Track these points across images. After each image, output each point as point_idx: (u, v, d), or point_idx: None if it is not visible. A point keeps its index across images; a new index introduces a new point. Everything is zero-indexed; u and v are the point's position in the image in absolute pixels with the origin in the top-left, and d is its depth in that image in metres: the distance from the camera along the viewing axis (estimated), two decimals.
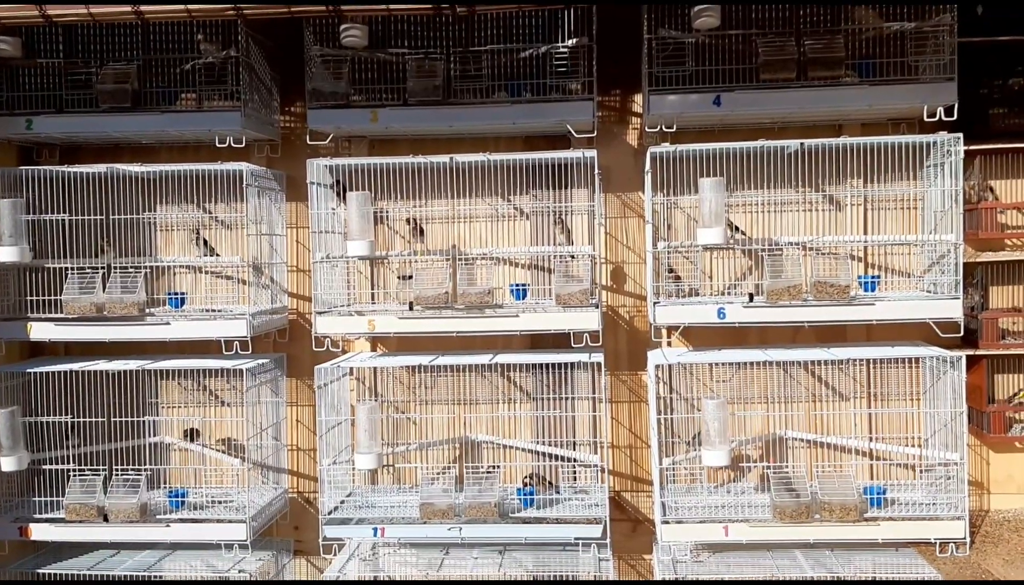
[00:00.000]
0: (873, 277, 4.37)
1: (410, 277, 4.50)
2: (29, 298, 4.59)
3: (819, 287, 4.13)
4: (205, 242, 4.84)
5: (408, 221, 4.80)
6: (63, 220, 4.59)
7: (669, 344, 4.80)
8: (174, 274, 4.95)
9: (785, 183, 4.56)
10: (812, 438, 4.70)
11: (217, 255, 4.86)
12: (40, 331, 4.47)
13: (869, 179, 4.58)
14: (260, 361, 4.59)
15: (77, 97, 4.58)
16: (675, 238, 4.68)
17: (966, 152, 4.15)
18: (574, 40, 4.36)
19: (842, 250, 4.59)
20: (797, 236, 4.60)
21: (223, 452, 4.91)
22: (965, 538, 4.09)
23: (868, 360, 4.56)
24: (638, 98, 4.77)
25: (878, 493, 4.25)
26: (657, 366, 4.34)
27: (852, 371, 4.66)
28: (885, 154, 4.38)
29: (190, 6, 3.53)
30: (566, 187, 4.78)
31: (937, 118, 4.24)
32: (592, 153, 4.31)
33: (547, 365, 4.67)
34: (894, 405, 4.64)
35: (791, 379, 4.68)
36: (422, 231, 4.81)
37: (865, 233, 4.66)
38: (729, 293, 4.69)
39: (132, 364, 4.57)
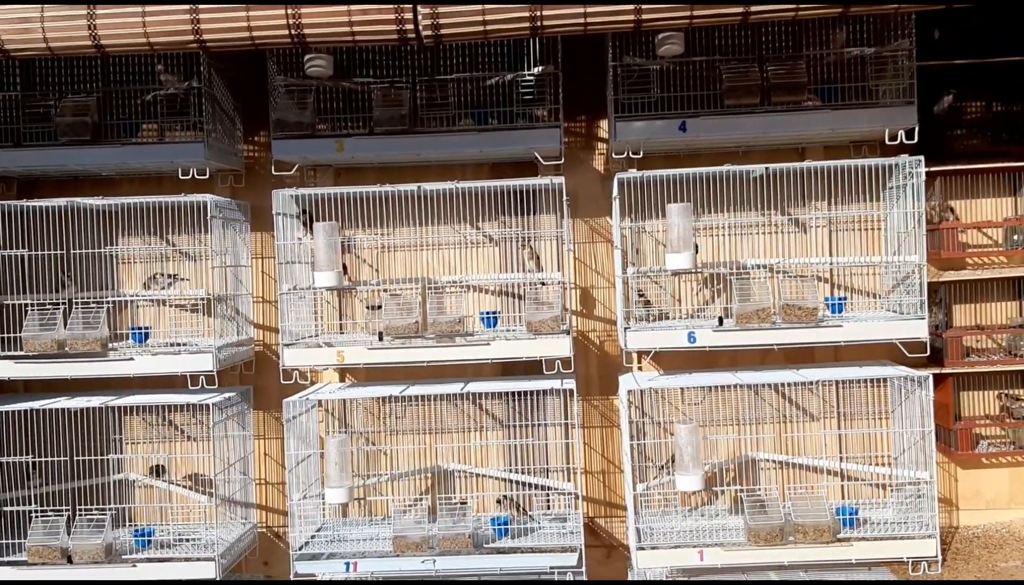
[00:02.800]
0: (840, 298, 4.41)
1: (379, 307, 4.47)
2: None
3: (787, 310, 4.16)
4: (165, 275, 4.77)
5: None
6: (22, 255, 4.50)
7: (640, 368, 4.80)
8: (137, 308, 4.87)
9: (750, 206, 4.60)
10: (783, 459, 4.72)
11: (184, 279, 4.79)
12: (1, 370, 4.36)
13: (833, 201, 4.63)
14: (226, 395, 4.52)
15: (35, 130, 4.50)
16: (643, 263, 4.69)
17: (926, 174, 4.21)
18: (540, 68, 4.38)
19: (808, 272, 4.63)
20: (764, 259, 4.64)
21: (190, 488, 4.82)
22: (937, 556, 4.12)
23: (837, 381, 4.59)
24: (604, 124, 4.79)
25: (850, 513, 4.27)
26: (629, 391, 4.34)
27: (821, 391, 4.70)
28: (848, 176, 4.43)
29: (152, 39, 3.47)
30: (534, 213, 4.78)
31: (898, 141, 4.30)
32: (560, 180, 4.32)
33: (518, 393, 4.64)
34: (863, 425, 4.68)
35: (761, 401, 4.71)
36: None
37: (830, 255, 4.71)
38: (698, 316, 4.71)
39: (95, 401, 4.47)
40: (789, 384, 4.60)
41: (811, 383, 4.59)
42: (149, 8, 3.45)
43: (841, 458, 4.70)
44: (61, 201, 4.46)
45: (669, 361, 4.70)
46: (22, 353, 4.32)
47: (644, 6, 3.37)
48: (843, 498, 4.69)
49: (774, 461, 4.73)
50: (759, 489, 4.61)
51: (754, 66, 4.30)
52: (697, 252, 4.34)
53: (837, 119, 4.31)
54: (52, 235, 4.55)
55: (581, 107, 4.77)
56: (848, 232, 4.72)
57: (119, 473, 4.82)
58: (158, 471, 4.80)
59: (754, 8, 3.39)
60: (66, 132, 4.39)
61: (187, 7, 3.45)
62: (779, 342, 4.18)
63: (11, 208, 4.47)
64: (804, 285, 4.32)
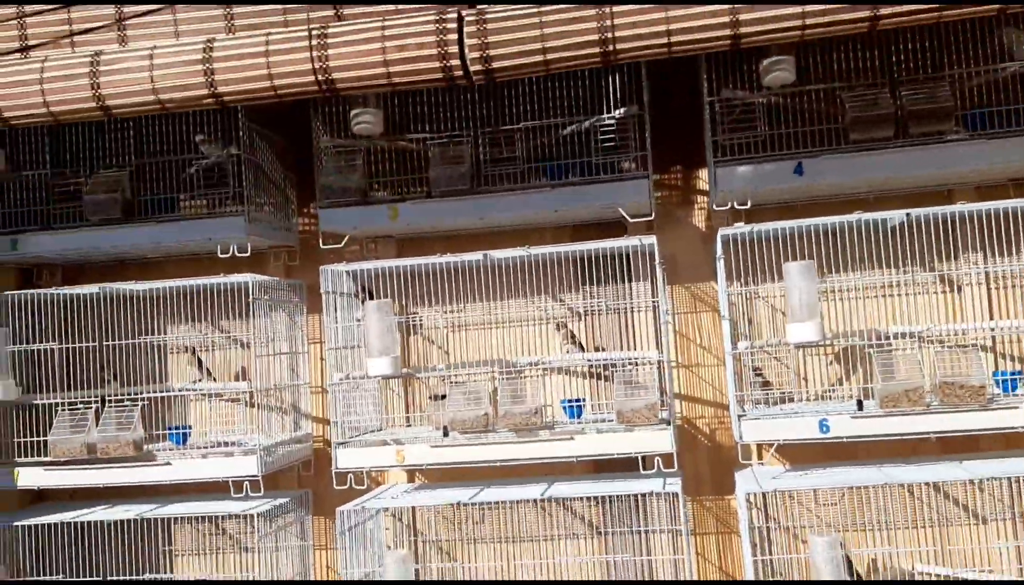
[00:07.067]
0: (1014, 373, 3.53)
1: (443, 397, 3.82)
2: (18, 440, 4.03)
3: (946, 389, 3.31)
4: (200, 362, 4.26)
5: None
6: (53, 349, 4.06)
7: (761, 462, 3.99)
8: (180, 403, 4.37)
9: (888, 263, 3.80)
10: (947, 573, 3.79)
11: (213, 378, 4.28)
12: (28, 478, 3.91)
13: (990, 252, 3.77)
14: (278, 502, 3.94)
15: (66, 211, 4.09)
16: (758, 335, 3.92)
17: None
18: (622, 110, 3.72)
19: (966, 340, 3.77)
20: (908, 326, 3.80)
21: None
22: None
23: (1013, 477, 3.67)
24: (702, 173, 4.10)
25: None
26: (748, 494, 3.53)
27: (992, 489, 3.77)
28: (1010, 222, 3.59)
29: (161, 95, 2.99)
30: (627, 281, 4.08)
31: None
32: (651, 239, 3.62)
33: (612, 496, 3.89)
34: None
35: (915, 500, 3.81)
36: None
37: (991, 318, 3.83)
38: (829, 397, 3.89)
39: (132, 511, 3.95)
40: (951, 481, 3.71)
41: (981, 480, 3.68)
42: (157, 60, 2.97)
43: (1021, 570, 3.74)
44: (93, 288, 4.02)
45: (796, 452, 3.86)
46: (50, 459, 3.85)
47: (742, 16, 2.68)
48: None
49: (936, 576, 3.80)
50: None
51: (884, 91, 3.53)
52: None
53: (993, 151, 3.49)
54: (90, 325, 4.11)
55: (674, 156, 4.09)
56: (1012, 289, 3.84)
57: None
58: None
59: (884, 9, 2.65)
60: (96, 210, 3.96)
61: (199, 56, 2.95)
62: (937, 430, 3.33)
63: (42, 297, 4.05)
64: (964, 356, 3.45)
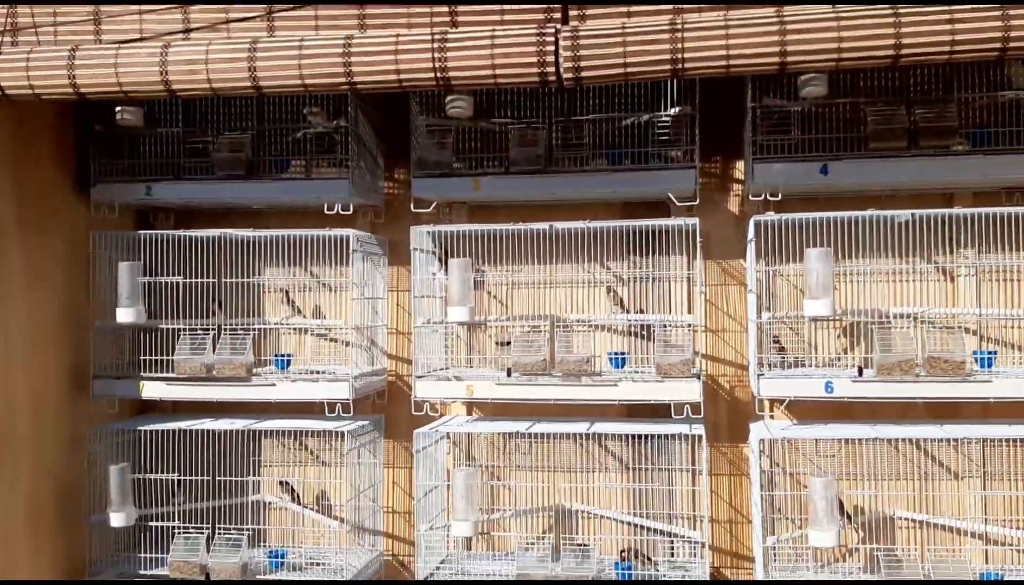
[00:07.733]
0: (990, 353, 4.20)
1: (508, 343, 4.51)
2: (142, 357, 4.74)
3: (933, 362, 3.99)
4: (292, 302, 4.97)
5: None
6: (177, 282, 4.76)
7: (771, 416, 4.68)
8: (280, 335, 5.07)
9: (893, 253, 4.45)
10: (922, 519, 4.50)
11: (303, 315, 4.99)
12: (152, 390, 4.61)
13: (982, 250, 4.43)
14: (360, 423, 4.65)
15: (194, 164, 4.78)
16: (778, 308, 4.59)
17: None
18: (677, 109, 4.37)
19: (954, 323, 4.43)
20: (907, 308, 4.47)
21: (321, 513, 4.96)
22: None
23: (984, 439, 4.35)
24: (740, 165, 4.74)
25: (995, 580, 4.03)
26: (761, 441, 4.23)
27: (966, 449, 4.47)
28: (1000, 224, 4.24)
29: (306, 80, 3.65)
30: (666, 254, 4.74)
31: None
32: (694, 221, 4.29)
33: (644, 436, 4.60)
34: (1010, 487, 4.42)
35: (901, 456, 4.51)
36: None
37: (978, 306, 4.50)
38: (835, 365, 4.56)
39: (238, 423, 4.67)
40: (931, 440, 4.40)
41: (955, 440, 4.37)
42: (305, 51, 3.63)
43: (986, 520, 4.45)
44: (214, 231, 4.71)
45: (803, 410, 4.56)
46: (173, 375, 4.56)
47: (789, 48, 3.33)
48: (987, 563, 4.43)
49: (912, 520, 4.51)
50: (897, 549, 4.41)
51: (901, 108, 4.17)
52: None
53: (990, 165, 4.14)
54: (205, 264, 4.81)
55: (716, 148, 4.73)
56: (998, 283, 4.50)
57: (256, 494, 5.00)
58: (290, 491, 4.94)
59: (905, 50, 3.29)
60: (223, 167, 4.64)
61: (340, 49, 3.60)
62: (923, 396, 4.01)
63: (169, 237, 4.74)
64: (950, 337, 4.13)
